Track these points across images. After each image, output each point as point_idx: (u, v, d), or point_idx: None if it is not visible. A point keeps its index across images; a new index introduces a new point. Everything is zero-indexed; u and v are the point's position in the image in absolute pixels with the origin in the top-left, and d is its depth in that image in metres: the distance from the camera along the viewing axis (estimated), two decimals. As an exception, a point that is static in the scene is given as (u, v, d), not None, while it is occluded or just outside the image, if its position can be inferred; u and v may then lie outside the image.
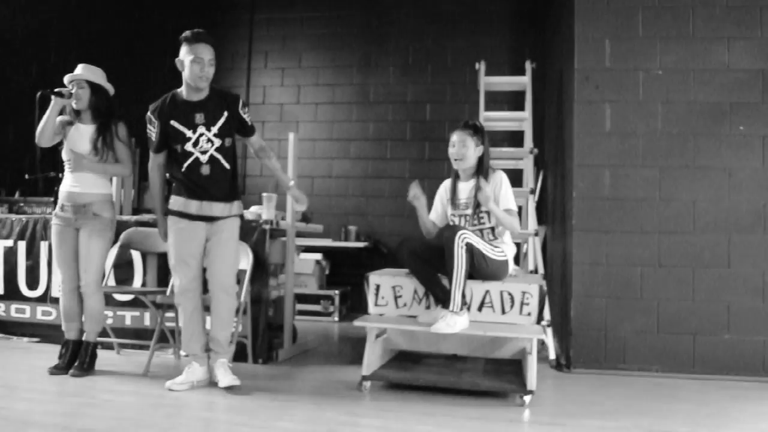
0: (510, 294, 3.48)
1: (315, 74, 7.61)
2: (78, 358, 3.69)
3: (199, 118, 3.32)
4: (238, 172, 3.57)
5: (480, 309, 3.47)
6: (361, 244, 6.94)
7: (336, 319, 6.51)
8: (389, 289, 3.58)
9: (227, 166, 3.39)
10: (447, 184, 3.88)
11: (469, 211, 3.68)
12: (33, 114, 3.66)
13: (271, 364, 4.13)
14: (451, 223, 3.68)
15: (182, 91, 3.38)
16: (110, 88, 3.79)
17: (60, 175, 3.93)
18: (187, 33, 3.31)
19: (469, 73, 6.80)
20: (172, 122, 3.33)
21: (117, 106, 3.82)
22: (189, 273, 3.40)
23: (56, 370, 3.65)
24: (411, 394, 3.40)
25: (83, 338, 3.75)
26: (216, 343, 3.44)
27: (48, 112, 3.61)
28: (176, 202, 3.40)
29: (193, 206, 3.37)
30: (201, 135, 3.32)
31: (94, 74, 3.72)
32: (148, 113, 3.40)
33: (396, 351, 4.01)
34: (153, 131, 3.38)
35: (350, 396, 3.39)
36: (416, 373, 3.57)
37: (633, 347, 4.09)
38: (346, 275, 7.06)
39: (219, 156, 3.36)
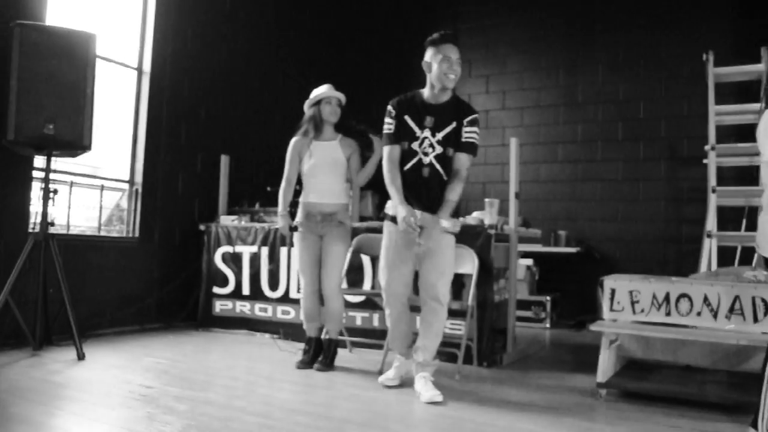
0: (764, 300, 3.18)
1: (519, 79, 7.57)
2: (322, 353, 4.01)
3: (429, 121, 3.33)
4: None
5: (728, 316, 3.22)
6: (572, 250, 6.76)
7: (548, 325, 6.40)
8: (626, 293, 3.45)
9: (445, 177, 3.33)
10: None
11: None
12: (270, 133, 4.01)
13: (495, 368, 4.17)
14: None
15: (424, 91, 3.41)
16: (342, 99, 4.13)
17: (297, 187, 4.29)
18: (434, 35, 3.34)
19: (686, 65, 6.39)
20: (406, 117, 3.36)
21: (354, 121, 4.16)
22: (398, 277, 3.42)
23: (302, 365, 4.01)
24: (648, 405, 3.25)
25: (327, 336, 4.06)
26: (421, 352, 3.41)
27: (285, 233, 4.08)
28: (391, 206, 3.41)
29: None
30: (425, 138, 3.32)
31: (340, 94, 4.08)
32: (389, 106, 3.44)
33: (626, 359, 3.86)
34: (390, 123, 3.40)
35: (586, 403, 3.32)
36: (654, 383, 3.42)
37: None
38: (555, 281, 6.92)
39: (438, 164, 3.32)
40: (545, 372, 4.14)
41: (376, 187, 4.37)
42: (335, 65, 7.22)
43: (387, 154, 3.41)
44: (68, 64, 4.04)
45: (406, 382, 3.56)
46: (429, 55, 3.35)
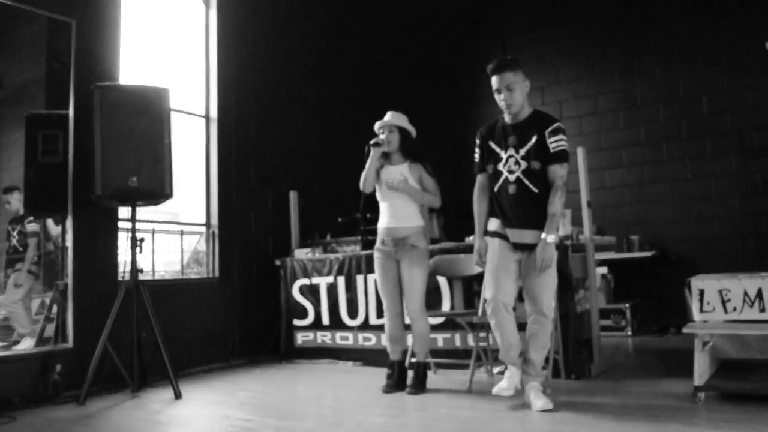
0: None
1: (574, 88, 7.53)
2: (413, 377, 4.04)
3: (512, 140, 3.46)
4: None
5: (828, 309, 3.12)
6: (646, 254, 6.63)
7: (629, 333, 6.27)
8: (715, 293, 3.38)
9: (535, 190, 3.40)
10: None
11: None
12: (336, 166, 4.08)
13: (584, 380, 4.13)
14: None
15: (505, 114, 3.55)
16: (413, 131, 4.17)
17: (368, 215, 4.38)
18: (488, 67, 3.51)
19: (747, 53, 6.26)
20: (490, 142, 3.55)
21: (420, 146, 4.18)
22: (501, 287, 3.43)
23: (388, 389, 4.04)
24: (750, 406, 3.17)
25: (414, 360, 4.11)
26: (530, 364, 3.46)
27: (369, 161, 4.06)
28: (490, 223, 3.57)
29: (508, 233, 3.47)
30: (510, 156, 3.45)
31: (401, 119, 4.14)
32: (476, 136, 3.65)
33: (720, 360, 3.76)
34: (477, 152, 3.62)
35: (685, 408, 3.25)
36: (754, 382, 3.32)
37: None
38: (632, 287, 6.79)
39: (525, 179, 3.41)
40: (636, 380, 4.07)
41: (440, 209, 4.38)
42: (391, 92, 7.35)
43: (477, 183, 3.65)
44: (145, 119, 4.27)
45: (520, 392, 3.51)
46: None
